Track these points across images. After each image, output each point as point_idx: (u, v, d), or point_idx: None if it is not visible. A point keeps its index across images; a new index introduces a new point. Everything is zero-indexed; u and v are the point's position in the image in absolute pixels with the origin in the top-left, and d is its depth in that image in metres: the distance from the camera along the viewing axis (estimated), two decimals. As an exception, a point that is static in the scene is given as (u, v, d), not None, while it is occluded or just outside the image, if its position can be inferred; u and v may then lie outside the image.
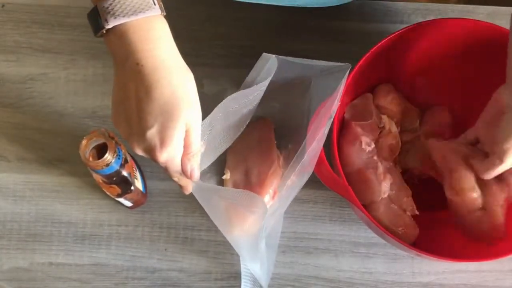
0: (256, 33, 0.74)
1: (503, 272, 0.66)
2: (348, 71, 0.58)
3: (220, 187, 0.58)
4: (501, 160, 0.55)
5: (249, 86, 0.60)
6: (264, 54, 0.59)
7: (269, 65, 0.59)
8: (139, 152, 0.50)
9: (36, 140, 0.70)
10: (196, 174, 0.53)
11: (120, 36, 0.47)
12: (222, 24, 0.75)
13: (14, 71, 0.73)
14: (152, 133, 0.48)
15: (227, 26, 0.75)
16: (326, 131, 0.57)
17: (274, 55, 0.58)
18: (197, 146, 0.51)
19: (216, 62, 0.73)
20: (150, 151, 0.49)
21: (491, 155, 0.57)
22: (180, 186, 0.55)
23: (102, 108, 0.71)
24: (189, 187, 0.56)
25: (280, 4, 0.65)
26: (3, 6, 0.75)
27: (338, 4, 0.68)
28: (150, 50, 0.47)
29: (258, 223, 0.56)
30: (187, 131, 0.49)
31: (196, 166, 0.53)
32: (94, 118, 0.71)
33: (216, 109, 0.56)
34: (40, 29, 0.74)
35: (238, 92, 0.58)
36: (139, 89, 0.47)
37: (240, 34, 0.74)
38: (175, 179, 0.54)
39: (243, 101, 0.58)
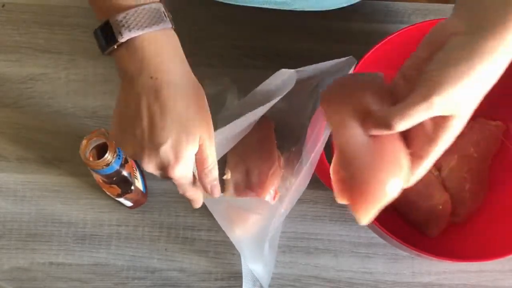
0: (256, 33, 0.74)
1: (503, 272, 0.66)
2: (354, 65, 0.57)
3: (230, 198, 0.58)
4: (427, 99, 0.41)
5: (259, 96, 0.59)
6: (283, 70, 0.57)
7: (286, 80, 0.58)
8: (151, 169, 0.48)
9: (36, 140, 0.70)
10: (217, 190, 0.51)
11: (132, 50, 0.46)
12: (222, 24, 0.75)
13: (14, 71, 0.73)
14: (165, 149, 0.46)
15: (227, 26, 0.75)
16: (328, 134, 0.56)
17: (293, 70, 0.56)
18: (213, 159, 0.50)
19: (216, 62, 0.73)
20: (164, 167, 0.47)
21: (411, 94, 0.42)
22: (189, 201, 0.53)
23: (102, 108, 0.71)
24: (200, 200, 0.54)
25: (278, 8, 0.65)
26: (3, 6, 0.75)
27: (335, 8, 0.68)
28: (164, 64, 0.47)
29: (264, 226, 0.56)
30: (201, 145, 0.48)
31: (216, 181, 0.51)
32: (94, 118, 0.71)
33: (226, 129, 0.55)
34: (40, 29, 0.74)
35: (250, 113, 0.56)
36: (152, 104, 0.46)
37: (240, 34, 0.74)
38: (188, 194, 0.52)
39: (253, 120, 0.58)
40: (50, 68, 0.73)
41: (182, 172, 0.48)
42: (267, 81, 0.59)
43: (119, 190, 0.61)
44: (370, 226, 0.59)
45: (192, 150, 0.47)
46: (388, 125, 0.42)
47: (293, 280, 0.66)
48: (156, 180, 0.69)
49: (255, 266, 0.62)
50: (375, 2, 0.76)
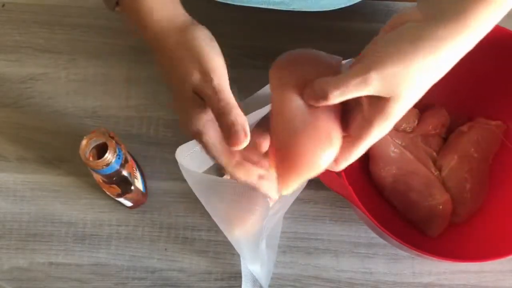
0: (256, 33, 0.74)
1: (503, 272, 0.66)
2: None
3: (220, 178, 0.56)
4: (364, 73, 0.40)
5: (261, 98, 0.59)
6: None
7: None
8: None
9: (36, 140, 0.70)
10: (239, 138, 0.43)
11: None
12: (222, 24, 0.75)
13: (14, 71, 0.73)
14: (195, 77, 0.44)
15: (227, 26, 0.75)
16: None
17: None
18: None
19: (216, 62, 0.73)
20: (200, 86, 0.44)
21: (352, 67, 0.42)
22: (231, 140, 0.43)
23: (102, 108, 0.71)
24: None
25: (276, 8, 0.65)
26: (3, 5, 0.75)
27: (334, 9, 0.68)
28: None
29: (258, 223, 0.56)
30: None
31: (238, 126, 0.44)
32: (94, 118, 0.71)
33: None
34: (40, 29, 0.74)
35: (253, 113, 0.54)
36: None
37: (240, 34, 0.74)
38: (232, 118, 0.43)
39: (254, 120, 0.57)
40: (50, 68, 0.73)
41: (219, 83, 0.45)
42: (267, 86, 0.59)
43: (119, 190, 0.61)
44: (370, 226, 0.59)
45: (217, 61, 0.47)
46: (323, 95, 0.41)
47: (293, 280, 0.66)
48: (156, 180, 0.69)
49: (253, 266, 0.62)
50: (375, 2, 0.76)
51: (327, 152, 0.43)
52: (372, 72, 0.40)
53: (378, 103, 0.42)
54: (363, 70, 0.40)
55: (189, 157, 0.55)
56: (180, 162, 0.55)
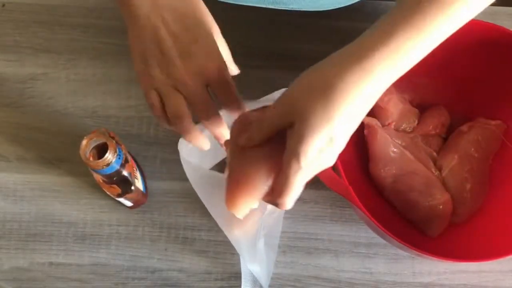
0: (256, 33, 0.74)
1: (503, 272, 0.66)
2: None
3: (220, 174, 0.56)
4: (274, 105, 0.44)
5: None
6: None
7: None
8: (189, 77, 0.47)
9: (36, 140, 0.70)
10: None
11: None
12: (222, 24, 0.75)
13: (14, 70, 0.73)
14: (195, 49, 0.48)
15: (227, 26, 0.74)
16: None
17: None
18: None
19: (216, 62, 0.73)
20: (202, 67, 0.48)
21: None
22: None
23: (102, 108, 0.71)
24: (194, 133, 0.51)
25: (274, 8, 0.65)
26: (3, 5, 0.75)
27: (333, 8, 0.68)
28: None
29: (255, 222, 0.55)
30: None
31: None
32: (94, 118, 0.71)
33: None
34: (40, 29, 0.74)
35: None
36: (165, 15, 0.47)
37: (240, 34, 0.74)
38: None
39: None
40: (50, 68, 0.73)
41: (220, 58, 0.49)
42: (263, 98, 0.59)
43: (119, 190, 0.61)
44: (370, 226, 0.59)
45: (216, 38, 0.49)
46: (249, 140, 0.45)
47: (293, 280, 0.66)
48: (156, 180, 0.69)
49: (252, 266, 0.62)
50: (375, 2, 0.76)
51: (250, 199, 0.46)
52: (276, 103, 0.44)
53: (291, 129, 0.43)
54: (274, 104, 0.44)
55: (191, 149, 0.55)
56: (181, 154, 0.54)
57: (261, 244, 0.60)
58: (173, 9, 0.48)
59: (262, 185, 0.45)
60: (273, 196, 0.45)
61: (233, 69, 0.54)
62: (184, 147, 0.56)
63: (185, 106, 0.49)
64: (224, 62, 0.50)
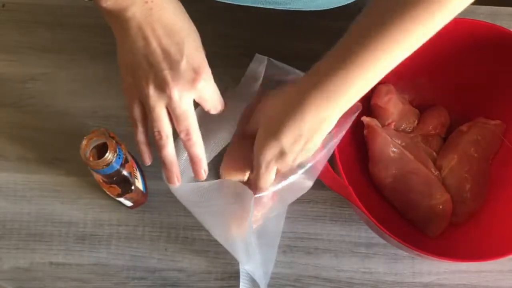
0: (256, 33, 0.74)
1: (503, 272, 0.66)
2: None
3: (199, 183, 0.55)
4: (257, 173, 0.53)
5: (243, 87, 0.59)
6: (257, 55, 0.59)
7: (260, 68, 0.59)
8: (174, 90, 0.48)
9: (36, 140, 0.70)
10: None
11: None
12: (222, 24, 0.75)
13: (14, 71, 0.73)
14: (184, 64, 0.48)
15: (227, 26, 0.75)
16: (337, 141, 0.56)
17: (266, 57, 0.58)
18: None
19: (216, 62, 0.72)
20: (186, 83, 0.49)
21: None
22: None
23: (102, 108, 0.71)
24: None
25: (272, 7, 0.65)
26: (3, 5, 0.75)
27: (331, 7, 0.68)
28: None
29: (246, 215, 0.55)
30: None
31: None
32: (94, 118, 0.71)
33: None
34: (40, 29, 0.74)
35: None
36: (156, 28, 0.48)
37: (240, 34, 0.74)
38: (214, 106, 0.53)
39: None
40: (50, 68, 0.73)
41: (205, 82, 0.50)
42: (248, 69, 0.59)
43: (119, 190, 0.61)
44: (370, 226, 0.59)
45: (205, 60, 0.51)
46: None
47: (293, 280, 0.66)
48: (156, 180, 0.69)
49: (249, 266, 0.62)
50: (375, 2, 0.75)
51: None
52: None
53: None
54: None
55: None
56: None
57: (253, 239, 0.59)
58: (164, 24, 0.48)
59: (245, 167, 0.56)
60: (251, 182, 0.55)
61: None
62: None
63: (169, 123, 0.50)
64: (211, 76, 0.52)
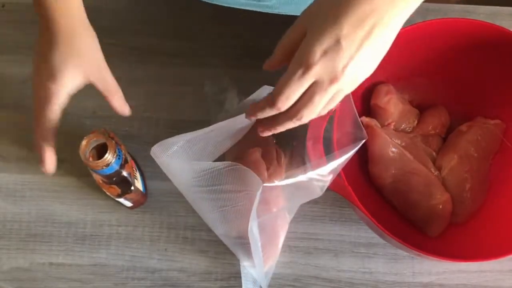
0: (256, 33, 0.74)
1: (503, 272, 0.66)
2: None
3: (213, 162, 0.54)
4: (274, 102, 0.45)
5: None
6: (265, 86, 0.58)
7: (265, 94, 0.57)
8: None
9: (36, 140, 0.70)
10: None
11: None
12: (222, 24, 0.75)
13: (14, 71, 0.73)
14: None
15: (227, 26, 0.75)
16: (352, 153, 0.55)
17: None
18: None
19: (216, 62, 0.73)
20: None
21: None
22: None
23: (102, 108, 0.71)
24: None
25: (262, 11, 0.65)
26: (3, 6, 0.75)
27: None
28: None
29: (250, 202, 0.54)
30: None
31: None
32: (94, 118, 0.71)
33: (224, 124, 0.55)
34: (40, 29, 0.74)
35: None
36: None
37: (240, 34, 0.74)
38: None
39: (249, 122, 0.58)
40: (50, 68, 0.73)
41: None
42: (254, 94, 0.59)
43: (119, 191, 0.61)
44: (370, 226, 0.59)
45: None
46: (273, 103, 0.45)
47: (293, 280, 0.66)
48: (156, 180, 0.69)
49: (248, 262, 0.62)
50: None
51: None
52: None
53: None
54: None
55: (171, 156, 0.54)
56: (160, 161, 0.54)
57: (254, 228, 0.58)
58: None
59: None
60: (269, 100, 0.46)
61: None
62: (162, 154, 0.55)
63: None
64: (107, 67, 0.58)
